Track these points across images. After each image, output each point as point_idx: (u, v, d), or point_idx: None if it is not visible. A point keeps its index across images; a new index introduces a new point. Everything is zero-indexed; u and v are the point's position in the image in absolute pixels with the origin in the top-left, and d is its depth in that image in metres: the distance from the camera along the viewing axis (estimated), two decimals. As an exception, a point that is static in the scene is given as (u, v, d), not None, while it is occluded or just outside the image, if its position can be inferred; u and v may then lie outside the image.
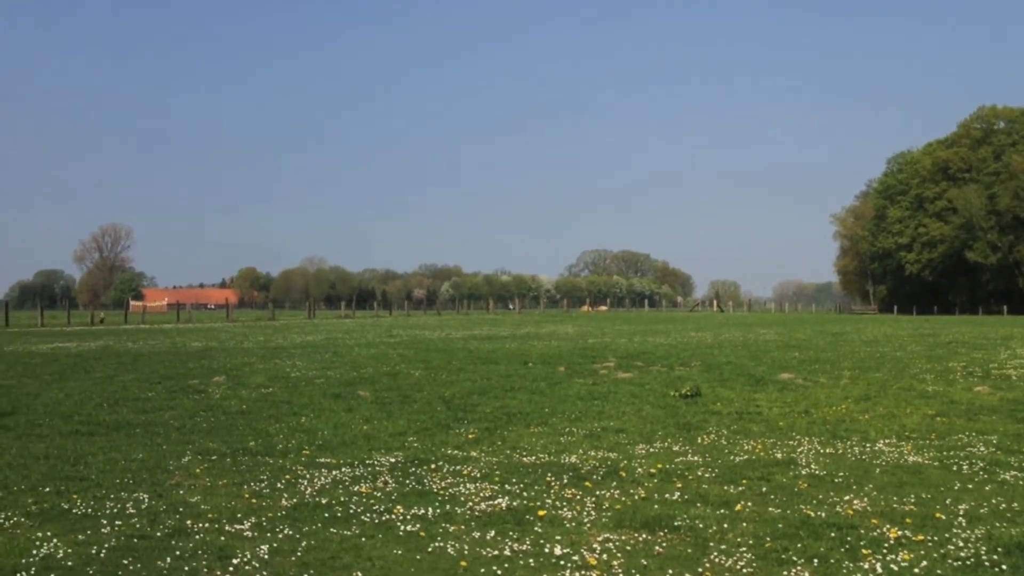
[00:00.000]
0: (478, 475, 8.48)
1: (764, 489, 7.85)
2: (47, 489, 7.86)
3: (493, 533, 6.42)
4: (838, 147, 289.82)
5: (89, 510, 7.10)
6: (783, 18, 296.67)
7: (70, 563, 5.71)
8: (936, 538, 6.28)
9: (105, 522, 6.73)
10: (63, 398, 14.34)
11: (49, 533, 6.41)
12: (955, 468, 8.74)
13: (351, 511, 7.08)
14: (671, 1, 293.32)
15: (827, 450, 9.84)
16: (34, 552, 5.92)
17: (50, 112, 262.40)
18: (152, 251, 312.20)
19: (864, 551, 5.97)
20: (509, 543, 6.17)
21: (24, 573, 5.50)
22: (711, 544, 6.17)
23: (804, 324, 48.17)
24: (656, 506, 7.21)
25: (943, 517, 6.84)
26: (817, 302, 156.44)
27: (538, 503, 7.31)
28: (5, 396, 14.52)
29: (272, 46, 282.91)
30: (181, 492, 7.79)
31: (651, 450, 9.88)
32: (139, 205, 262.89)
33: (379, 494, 7.69)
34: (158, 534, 6.40)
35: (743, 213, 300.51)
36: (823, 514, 6.96)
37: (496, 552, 5.98)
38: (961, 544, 6.11)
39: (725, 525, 6.63)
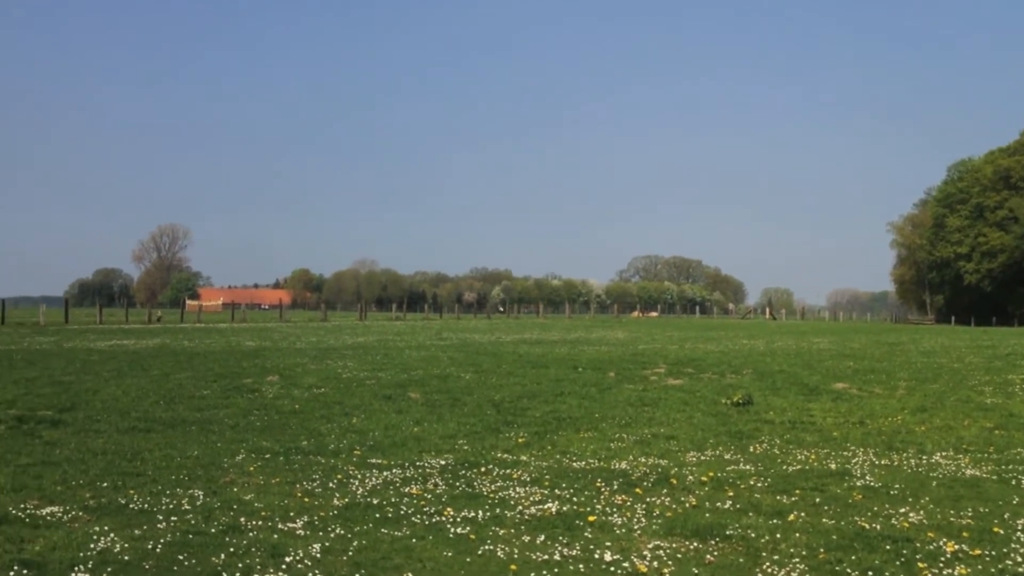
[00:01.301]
0: (528, 479, 8.48)
1: (818, 500, 7.76)
2: (105, 484, 8.01)
3: (543, 537, 6.42)
4: (897, 154, 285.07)
5: (145, 505, 7.22)
6: (840, 22, 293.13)
7: (126, 557, 5.81)
8: (994, 552, 6.16)
9: (161, 517, 6.84)
10: (121, 395, 14.60)
11: (106, 527, 6.53)
12: (1014, 482, 8.57)
13: (402, 512, 7.13)
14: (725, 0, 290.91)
15: (882, 462, 9.70)
16: (92, 546, 6.03)
17: (113, 114, 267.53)
18: (208, 251, 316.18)
19: (920, 565, 5.88)
20: (559, 548, 6.17)
21: (82, 566, 5.60)
22: (763, 554, 6.11)
23: (859, 333, 47.48)
24: (707, 514, 7.16)
25: (1001, 531, 6.71)
26: (872, 311, 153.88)
27: (588, 508, 7.29)
28: (65, 392, 14.82)
29: (320, 48, 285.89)
30: (235, 490, 7.89)
31: (702, 458, 9.81)
32: (196, 206, 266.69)
33: (429, 496, 7.73)
34: (212, 530, 6.49)
35: (798, 220, 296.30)
36: (878, 526, 6.87)
37: (546, 556, 5.98)
38: (1020, 559, 6.00)
39: (778, 535, 6.56)
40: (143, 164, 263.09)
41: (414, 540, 6.34)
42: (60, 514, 6.89)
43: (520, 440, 10.87)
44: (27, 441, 10.25)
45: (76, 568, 5.56)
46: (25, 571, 5.47)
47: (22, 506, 7.10)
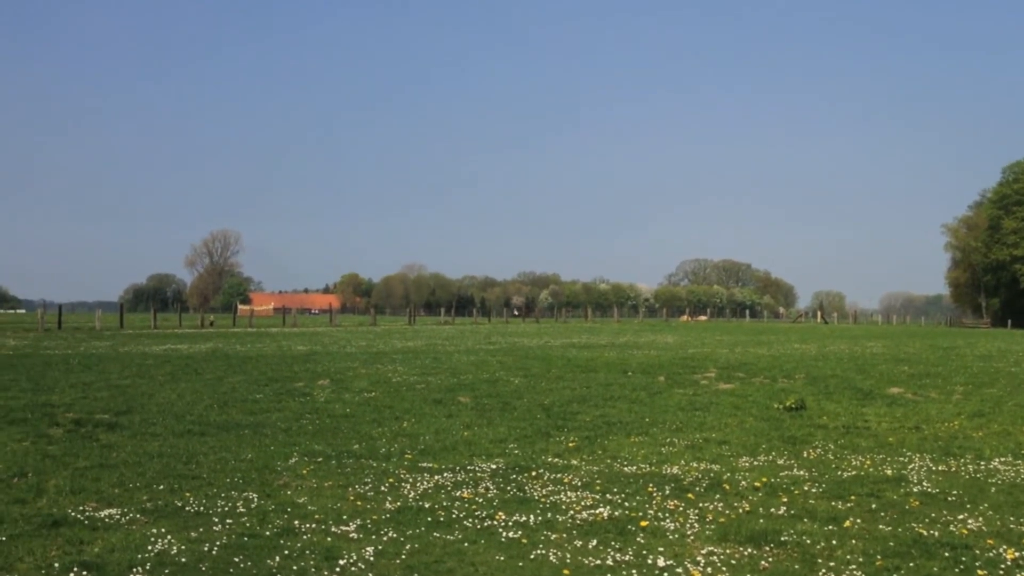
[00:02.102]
0: (579, 484, 8.46)
1: (874, 506, 7.65)
2: (161, 487, 8.12)
3: (595, 542, 6.40)
4: (951, 156, 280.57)
5: (201, 508, 7.31)
6: (893, 24, 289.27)
7: (183, 559, 5.89)
8: (1057, 562, 6.02)
9: (216, 520, 6.92)
10: (175, 398, 14.81)
11: (163, 529, 6.62)
12: (1077, 489, 8.37)
13: (453, 516, 7.14)
14: (792, 2, 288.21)
15: (939, 467, 9.54)
16: (149, 548, 6.11)
17: (166, 122, 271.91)
18: (259, 257, 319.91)
19: (980, 572, 5.78)
20: (611, 553, 6.14)
21: (140, 568, 5.68)
22: (819, 561, 6.03)
23: (913, 337, 46.78)
24: (761, 520, 7.08)
25: (1064, 540, 6.56)
26: (926, 315, 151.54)
27: (640, 513, 7.26)
28: (121, 396, 15.07)
29: (368, 55, 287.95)
30: (289, 492, 7.96)
31: (755, 463, 9.71)
32: (247, 212, 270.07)
33: (481, 500, 7.74)
34: (267, 533, 6.55)
35: (849, 222, 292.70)
36: (936, 533, 6.75)
37: (598, 561, 5.95)
38: (1085, 569, 5.86)
39: (834, 542, 6.48)
40: (196, 171, 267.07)
41: (466, 544, 6.35)
42: (118, 516, 7.00)
43: (570, 444, 10.85)
44: (85, 444, 10.42)
45: (134, 569, 5.64)
46: (85, 572, 5.56)
47: (81, 508, 7.22)
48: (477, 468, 9.23)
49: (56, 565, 5.68)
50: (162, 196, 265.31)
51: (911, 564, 5.95)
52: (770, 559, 6.08)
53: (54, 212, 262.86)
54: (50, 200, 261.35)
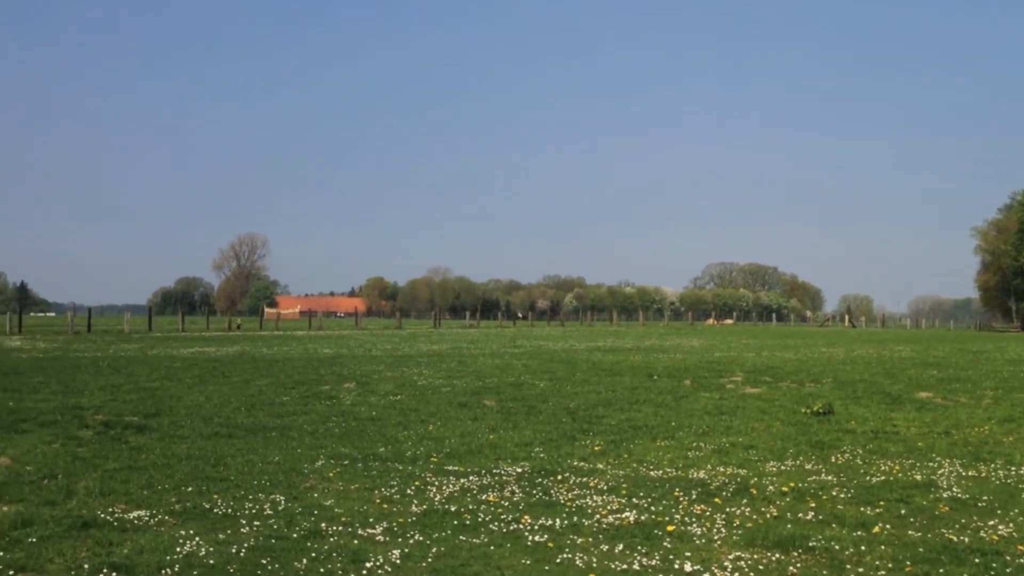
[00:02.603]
0: (605, 488, 8.44)
1: (903, 511, 7.59)
2: (189, 489, 8.17)
3: (621, 547, 6.38)
4: (981, 158, 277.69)
5: (229, 510, 7.35)
6: (920, 26, 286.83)
7: (212, 561, 5.92)
8: (1091, 569, 5.95)
9: (244, 522, 6.96)
10: (203, 401, 14.91)
11: (192, 531, 6.66)
12: (1110, 496, 8.27)
13: (479, 519, 7.15)
14: (809, 3, 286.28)
15: (969, 473, 9.45)
16: (178, 549, 6.15)
17: (195, 127, 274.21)
18: (285, 260, 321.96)
19: (1011, 580, 5.71)
20: (638, 557, 6.12)
21: (168, 570, 5.72)
22: (848, 566, 5.99)
23: (942, 341, 46.36)
24: (789, 525, 7.04)
25: (1097, 547, 6.48)
26: (955, 319, 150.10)
27: (667, 518, 7.23)
28: (150, 398, 15.19)
29: (394, 58, 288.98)
30: (315, 495, 7.99)
31: (782, 468, 9.66)
32: (274, 215, 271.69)
33: (506, 503, 7.74)
34: (294, 535, 6.58)
35: (877, 225, 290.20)
36: (966, 539, 6.69)
37: (625, 566, 5.94)
38: (1119, 577, 5.78)
39: (862, 547, 6.43)
40: (223, 174, 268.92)
41: (492, 547, 6.35)
42: (147, 518, 7.05)
43: (596, 448, 10.83)
44: (114, 446, 10.51)
45: (163, 571, 5.68)
46: (114, 574, 5.61)
47: (110, 510, 7.28)
48: (503, 472, 9.23)
49: (86, 566, 5.73)
50: (190, 200, 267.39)
51: (941, 570, 5.90)
52: (798, 565, 6.04)
53: (83, 216, 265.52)
54: (79, 204, 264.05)
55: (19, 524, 6.74)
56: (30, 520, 6.85)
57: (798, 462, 10.02)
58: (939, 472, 9.43)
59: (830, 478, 9.06)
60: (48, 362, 24.10)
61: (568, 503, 7.76)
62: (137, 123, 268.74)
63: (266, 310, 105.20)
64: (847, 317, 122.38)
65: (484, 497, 7.96)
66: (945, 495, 8.26)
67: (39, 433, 11.30)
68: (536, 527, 6.91)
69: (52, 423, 12.10)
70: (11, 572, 5.62)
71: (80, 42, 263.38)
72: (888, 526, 7.07)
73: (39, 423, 12.07)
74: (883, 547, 6.45)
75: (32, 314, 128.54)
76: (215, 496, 7.85)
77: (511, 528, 6.89)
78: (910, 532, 6.90)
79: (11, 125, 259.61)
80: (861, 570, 5.91)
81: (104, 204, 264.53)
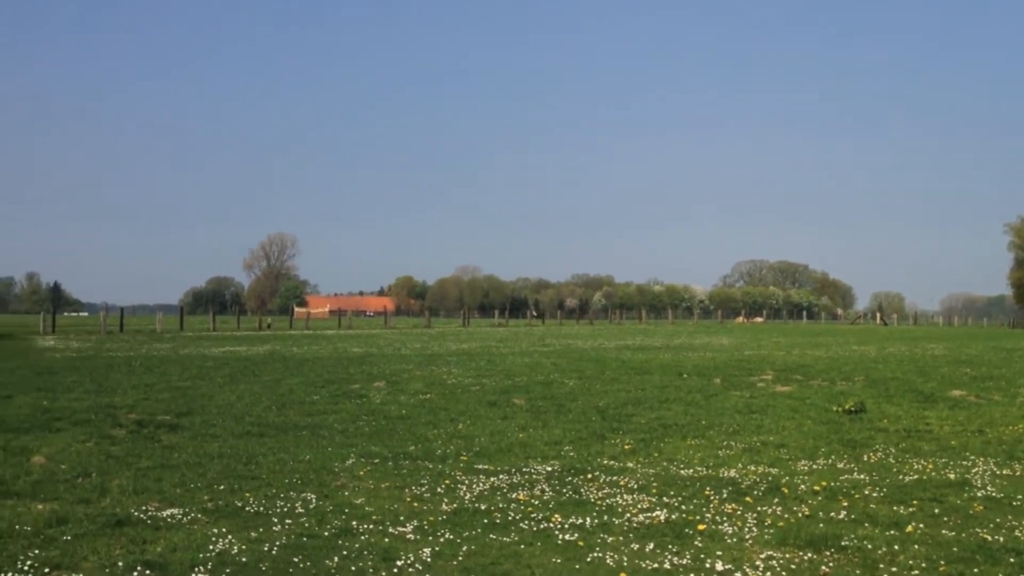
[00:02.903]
0: (635, 487, 8.42)
1: (936, 511, 7.51)
2: (221, 487, 8.23)
3: (652, 546, 6.36)
4: (1014, 153, 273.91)
5: (261, 508, 7.39)
6: (950, 21, 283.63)
7: (244, 559, 5.96)
8: None
9: (276, 520, 7.00)
10: (235, 400, 15.02)
11: (224, 529, 6.71)
12: None
13: (509, 518, 7.15)
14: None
15: (1004, 471, 9.34)
16: (211, 547, 6.20)
17: (226, 128, 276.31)
18: (315, 260, 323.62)
19: (1048, 580, 5.64)
20: (669, 556, 6.10)
21: (201, 567, 5.76)
22: (881, 566, 5.94)
23: (975, 339, 45.91)
24: (821, 525, 6.98)
25: None
26: (988, 316, 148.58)
27: (697, 517, 7.20)
28: (182, 397, 15.32)
29: (414, 57, 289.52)
30: (346, 493, 8.02)
31: (814, 467, 9.59)
32: (304, 215, 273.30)
33: (536, 502, 7.73)
34: (325, 533, 6.61)
35: (908, 222, 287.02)
36: (1001, 539, 6.61)
37: (656, 565, 5.92)
38: None
39: (895, 547, 6.37)
40: (253, 175, 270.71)
41: (522, 546, 6.35)
42: (180, 516, 7.11)
43: (626, 447, 10.80)
44: (147, 445, 10.60)
45: (196, 569, 5.72)
46: (148, 571, 5.65)
47: (143, 508, 7.35)
48: (532, 470, 9.22)
49: (120, 564, 5.78)
50: (220, 200, 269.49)
51: (975, 570, 5.83)
52: (830, 564, 5.99)
53: (115, 217, 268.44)
54: (111, 205, 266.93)
55: (54, 522, 6.81)
56: (65, 518, 6.93)
57: (830, 461, 9.95)
58: (973, 471, 9.33)
59: (862, 477, 8.99)
60: (82, 361, 24.37)
61: (598, 502, 7.75)
62: (166, 124, 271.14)
63: (296, 309, 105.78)
64: (879, 315, 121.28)
65: (514, 496, 7.96)
66: (979, 494, 8.17)
67: (73, 432, 11.42)
68: (566, 526, 6.91)
69: (86, 422, 12.23)
70: (47, 570, 5.68)
71: (114, 42, 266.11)
72: (922, 525, 7.00)
73: (73, 422, 12.21)
74: (917, 547, 6.39)
75: (65, 314, 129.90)
76: (247, 494, 7.90)
77: (541, 527, 6.89)
78: (944, 531, 6.83)
79: (44, 127, 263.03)
80: (894, 570, 5.86)
81: (136, 205, 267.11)
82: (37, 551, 6.05)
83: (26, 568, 5.68)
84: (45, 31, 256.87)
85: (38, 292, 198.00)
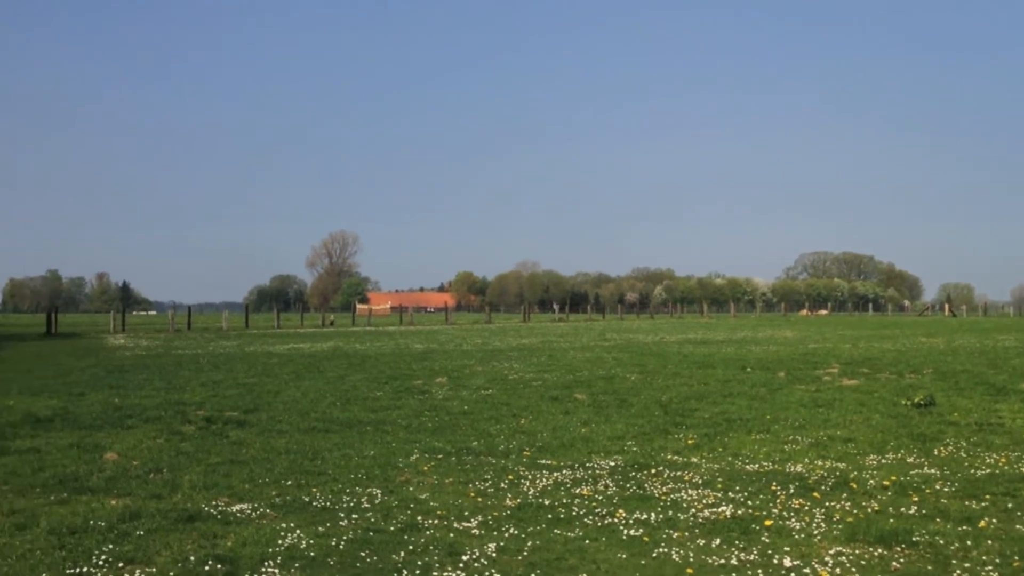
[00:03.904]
0: (700, 481, 8.35)
1: (1010, 505, 7.33)
2: (289, 482, 8.34)
3: (718, 541, 6.30)
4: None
5: (327, 503, 7.48)
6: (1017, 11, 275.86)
7: (312, 553, 6.03)
8: None
9: (342, 515, 7.07)
10: (300, 396, 15.22)
11: (292, 524, 6.79)
12: None
13: (574, 513, 7.14)
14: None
15: (1081, 466, 9.09)
16: (279, 542, 6.28)
17: (289, 127, 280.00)
18: (376, 256, 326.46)
19: None
20: (736, 552, 6.05)
21: (271, 562, 5.85)
22: (953, 562, 5.82)
23: (1048, 330, 44.73)
24: (891, 520, 6.86)
25: None
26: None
27: (764, 512, 7.12)
28: (248, 394, 15.57)
29: (474, 54, 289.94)
30: (411, 489, 8.08)
31: (883, 461, 9.43)
32: (365, 213, 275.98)
33: (600, 497, 7.71)
34: (391, 528, 6.67)
35: (978, 211, 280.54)
36: (1078, 534, 6.44)
37: (722, 561, 5.87)
38: None
39: (968, 542, 6.24)
40: (315, 174, 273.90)
41: (587, 541, 6.34)
42: (249, 511, 7.22)
43: (689, 441, 10.72)
44: (215, 441, 10.79)
45: (266, 563, 5.80)
46: (219, 565, 5.75)
47: (214, 503, 7.47)
48: (595, 465, 9.20)
49: (192, 558, 5.89)
50: (283, 198, 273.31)
51: (1053, 567, 5.69)
52: (901, 560, 5.89)
53: (182, 217, 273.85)
54: (178, 206, 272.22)
55: (127, 517, 6.95)
56: (138, 513, 7.07)
57: (899, 455, 9.77)
58: (1048, 465, 9.10)
59: (933, 471, 8.81)
60: (151, 359, 24.88)
61: (663, 497, 7.70)
62: (232, 126, 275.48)
63: (358, 306, 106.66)
64: (947, 306, 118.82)
65: (578, 491, 7.95)
66: (1055, 489, 7.97)
67: (144, 429, 11.66)
68: (631, 521, 6.88)
69: (156, 419, 12.49)
70: (121, 564, 5.80)
71: (187, 47, 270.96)
72: (995, 520, 6.85)
73: (144, 419, 12.47)
74: (990, 542, 6.25)
75: (134, 313, 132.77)
76: (314, 489, 8.00)
77: (605, 522, 6.87)
78: (1018, 526, 6.67)
79: (114, 132, 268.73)
80: (967, 565, 5.74)
81: (201, 206, 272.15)
82: (111, 545, 6.18)
83: (101, 562, 5.81)
84: (108, 39, 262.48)
85: (108, 292, 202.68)
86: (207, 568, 5.70)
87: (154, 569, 5.71)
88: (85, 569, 5.69)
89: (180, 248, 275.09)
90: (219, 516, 7.04)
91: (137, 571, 5.66)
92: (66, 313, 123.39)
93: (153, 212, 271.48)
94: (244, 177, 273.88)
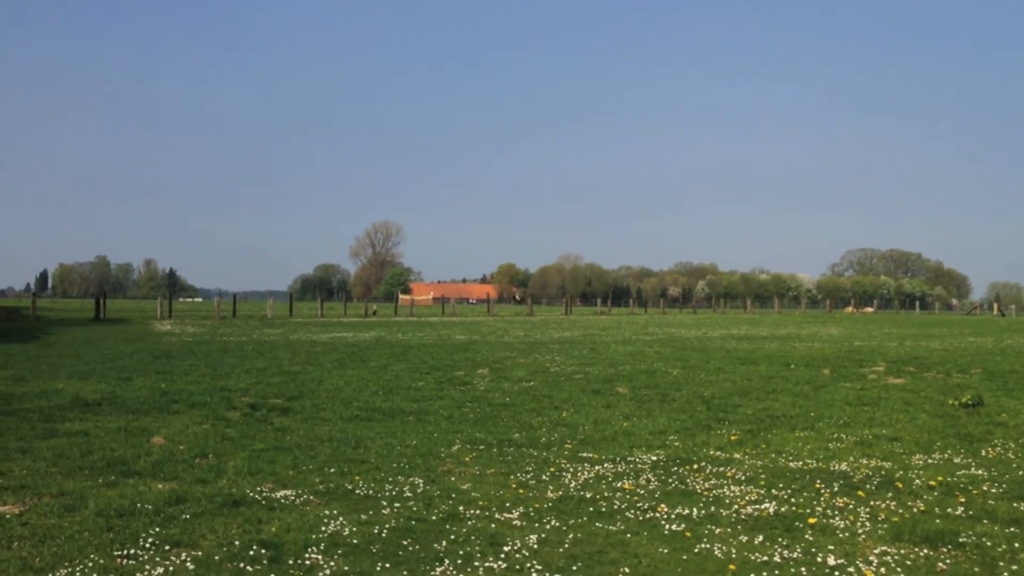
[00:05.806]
0: (742, 478, 8.30)
1: (1061, 509, 7.21)
2: (332, 470, 8.41)
3: (761, 538, 6.27)
4: None
5: (370, 491, 7.53)
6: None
7: (355, 541, 6.08)
8: None
9: (385, 503, 7.12)
10: (343, 385, 15.33)
11: (335, 511, 6.86)
12: None
13: (615, 507, 7.13)
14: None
15: None
16: (323, 528, 6.35)
17: (333, 120, 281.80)
18: (418, 247, 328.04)
19: None
20: (779, 549, 6.00)
21: (314, 548, 5.90)
22: (1000, 563, 5.74)
23: (1101, 331, 43.83)
24: (937, 520, 6.78)
25: None
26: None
27: (808, 510, 7.06)
28: (292, 382, 15.71)
29: (527, 45, 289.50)
30: (452, 479, 8.11)
31: (929, 461, 9.30)
32: (409, 203, 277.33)
33: (642, 491, 7.69)
34: (433, 518, 6.70)
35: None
36: None
37: (765, 558, 5.83)
38: None
39: (1016, 544, 6.14)
40: (359, 164, 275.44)
41: (628, 535, 6.33)
42: (293, 497, 7.29)
43: (732, 438, 10.65)
44: (260, 427, 10.90)
45: (309, 549, 5.86)
46: (263, 550, 5.82)
47: (258, 489, 7.56)
48: (637, 459, 9.18)
49: (237, 543, 5.96)
50: (328, 189, 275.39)
51: (1105, 572, 5.58)
52: (947, 561, 5.82)
53: (228, 206, 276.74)
54: (224, 196, 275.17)
55: (174, 501, 7.06)
56: (184, 497, 7.17)
57: (946, 455, 9.64)
58: (1101, 469, 8.93)
59: (980, 472, 8.69)
60: (197, 346, 25.19)
61: (705, 493, 7.67)
62: (278, 118, 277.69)
63: (400, 296, 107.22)
64: (996, 305, 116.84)
65: (619, 484, 7.94)
66: (1108, 493, 7.82)
67: (190, 414, 11.81)
68: (672, 516, 6.86)
69: (202, 404, 12.64)
70: (167, 547, 5.89)
71: (232, 40, 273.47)
72: (1045, 524, 6.74)
73: (190, 404, 12.63)
74: (1039, 545, 6.15)
75: (181, 299, 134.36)
76: (356, 477, 8.06)
77: (647, 516, 6.85)
78: (1069, 531, 6.56)
79: (161, 123, 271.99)
80: (1015, 568, 5.66)
81: (247, 195, 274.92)
82: (158, 528, 6.28)
83: (148, 545, 5.91)
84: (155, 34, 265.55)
85: (155, 278, 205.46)
86: (251, 553, 5.77)
87: (200, 552, 5.79)
88: (132, 551, 5.78)
89: (226, 236, 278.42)
90: (263, 502, 7.12)
91: (183, 554, 5.75)
92: (114, 299, 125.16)
93: (201, 201, 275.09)
94: (290, 167, 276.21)
